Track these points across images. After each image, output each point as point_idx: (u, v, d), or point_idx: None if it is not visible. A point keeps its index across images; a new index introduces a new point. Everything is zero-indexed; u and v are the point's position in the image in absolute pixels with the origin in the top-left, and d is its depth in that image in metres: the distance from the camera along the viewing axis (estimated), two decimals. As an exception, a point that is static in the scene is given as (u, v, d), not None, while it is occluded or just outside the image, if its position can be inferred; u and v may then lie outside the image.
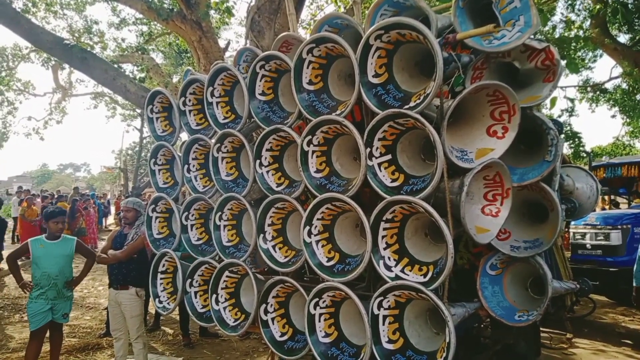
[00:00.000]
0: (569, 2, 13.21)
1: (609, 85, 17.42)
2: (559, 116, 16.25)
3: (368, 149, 2.77)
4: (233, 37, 47.92)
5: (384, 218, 2.74)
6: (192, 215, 3.98)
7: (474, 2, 2.82)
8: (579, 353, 5.29)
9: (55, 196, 15.71)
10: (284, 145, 3.47)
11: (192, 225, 4.00)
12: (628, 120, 18.83)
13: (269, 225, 3.42)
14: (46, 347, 4.49)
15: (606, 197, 9.82)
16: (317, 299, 3.03)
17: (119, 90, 10.07)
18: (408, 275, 2.70)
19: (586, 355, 5.27)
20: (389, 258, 2.76)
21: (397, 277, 2.68)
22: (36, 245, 4.27)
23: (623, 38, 14.17)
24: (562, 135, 3.10)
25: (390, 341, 2.77)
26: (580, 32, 12.70)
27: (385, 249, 2.77)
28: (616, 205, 9.86)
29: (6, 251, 10.91)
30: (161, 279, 4.20)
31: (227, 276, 3.66)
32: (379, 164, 2.80)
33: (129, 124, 28.03)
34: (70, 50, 9.83)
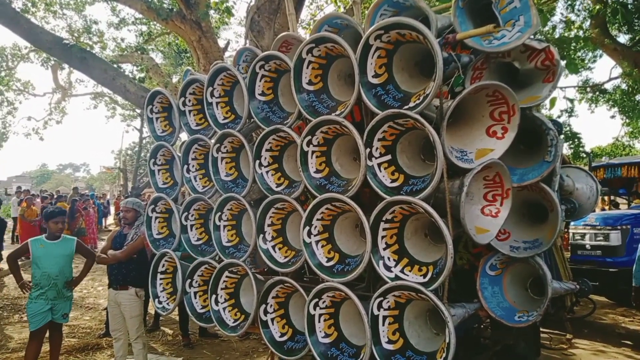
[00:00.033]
0: (569, 2, 13.22)
1: (608, 86, 17.45)
2: (559, 116, 16.25)
3: (368, 149, 2.77)
4: (233, 37, 47.93)
5: (384, 218, 2.74)
6: (192, 215, 3.98)
7: (473, 2, 2.82)
8: (579, 354, 5.29)
9: (55, 196, 15.70)
10: (283, 146, 3.46)
11: (191, 226, 3.99)
12: (628, 120, 18.84)
13: (268, 225, 3.41)
14: (46, 347, 4.49)
15: (606, 198, 9.82)
16: (316, 300, 3.03)
17: (119, 90, 10.07)
18: (408, 275, 2.70)
19: (586, 355, 5.27)
20: (388, 258, 2.76)
21: (397, 278, 2.68)
22: (36, 245, 4.27)
23: (623, 38, 14.19)
24: (562, 136, 3.10)
25: (390, 341, 2.77)
26: (580, 33, 12.71)
27: (385, 249, 2.77)
28: (616, 205, 9.86)
29: (6, 251, 10.92)
30: (161, 279, 4.19)
31: (226, 276, 3.65)
32: (379, 164, 2.80)
33: (128, 124, 28.01)
34: (69, 50, 9.82)
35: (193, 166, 4.02)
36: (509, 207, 2.69)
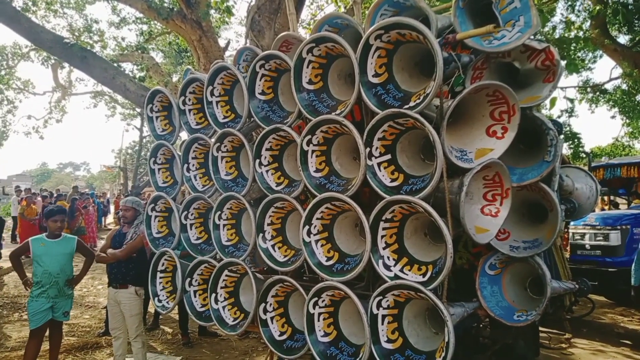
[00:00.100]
0: (569, 2, 13.22)
1: (608, 86, 17.45)
2: (559, 116, 16.25)
3: (368, 149, 2.77)
4: (233, 36, 47.94)
5: (384, 218, 2.74)
6: (192, 214, 3.99)
7: (474, 2, 2.82)
8: (578, 353, 5.30)
9: (55, 195, 15.70)
10: (283, 145, 3.47)
11: (191, 225, 4.00)
12: (628, 121, 18.83)
13: (268, 224, 3.42)
14: (45, 346, 4.49)
15: (605, 198, 9.82)
16: (316, 299, 3.03)
17: (119, 89, 10.07)
18: (407, 274, 2.70)
19: (585, 355, 5.27)
20: (388, 258, 2.77)
21: (396, 277, 2.68)
22: (37, 244, 4.28)
23: (623, 39, 14.19)
24: (562, 136, 3.10)
25: (389, 340, 2.77)
26: (580, 33, 12.71)
27: (384, 248, 2.78)
28: (615, 205, 9.86)
29: (5, 250, 10.96)
30: (160, 278, 4.20)
31: (226, 275, 3.66)
32: (379, 164, 2.80)
33: (128, 123, 28.09)
34: (70, 49, 9.82)
35: (193, 165, 4.02)
36: (509, 207, 2.70)
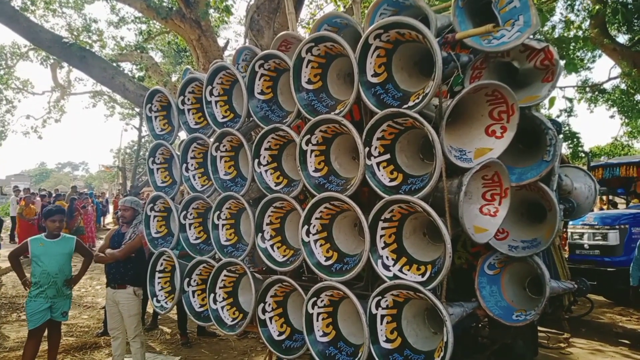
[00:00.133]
0: (569, 2, 13.22)
1: (607, 86, 17.46)
2: (558, 116, 16.28)
3: (367, 149, 2.77)
4: (232, 36, 47.93)
5: (383, 217, 2.74)
6: (191, 214, 3.98)
7: (473, 1, 2.82)
8: (577, 353, 5.30)
9: (53, 195, 15.68)
10: (282, 145, 3.46)
11: (190, 224, 3.99)
12: (627, 120, 18.85)
13: (267, 224, 3.42)
14: (44, 346, 4.48)
15: (604, 197, 9.84)
16: (315, 299, 3.03)
17: (118, 89, 10.04)
18: (406, 274, 2.70)
19: (583, 355, 5.28)
20: (387, 257, 2.76)
21: (395, 277, 2.68)
22: (36, 244, 4.27)
23: (622, 38, 14.19)
24: (561, 135, 3.10)
25: (388, 340, 2.77)
26: (580, 32, 12.71)
27: (383, 248, 2.77)
28: (614, 205, 9.88)
29: (4, 250, 10.94)
30: (159, 278, 4.20)
31: (225, 275, 3.65)
32: (378, 164, 2.80)
33: (127, 123, 28.07)
34: (69, 48, 9.80)
35: (192, 165, 4.02)
36: (508, 207, 2.70)
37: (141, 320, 4.71)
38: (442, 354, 2.49)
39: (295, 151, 3.07)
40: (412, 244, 2.86)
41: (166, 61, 18.64)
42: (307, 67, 3.07)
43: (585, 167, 5.91)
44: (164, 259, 4.14)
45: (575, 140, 13.52)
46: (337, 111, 2.93)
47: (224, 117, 3.74)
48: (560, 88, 17.01)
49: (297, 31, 4.87)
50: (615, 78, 16.62)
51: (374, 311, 2.75)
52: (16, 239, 13.35)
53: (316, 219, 3.04)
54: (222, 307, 3.68)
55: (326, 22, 3.34)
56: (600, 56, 16.23)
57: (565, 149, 12.95)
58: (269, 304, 3.42)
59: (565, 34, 12.98)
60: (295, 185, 3.33)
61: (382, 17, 3.03)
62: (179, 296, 3.91)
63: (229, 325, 3.62)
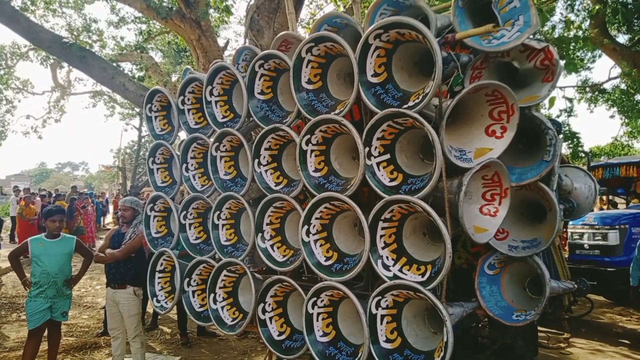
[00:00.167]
0: (569, 2, 13.22)
1: (607, 86, 17.46)
2: (558, 116, 16.28)
3: (367, 149, 2.77)
4: (232, 36, 47.94)
5: (383, 217, 2.74)
6: (191, 214, 3.98)
7: (473, 1, 2.82)
8: (577, 353, 5.30)
9: (53, 195, 15.68)
10: (282, 145, 3.46)
11: (190, 224, 3.99)
12: (626, 120, 18.85)
13: (267, 224, 3.41)
14: (44, 346, 4.48)
15: (604, 197, 9.84)
16: (315, 299, 3.03)
17: (118, 89, 10.04)
18: (406, 274, 2.70)
19: (583, 355, 5.28)
20: (387, 257, 2.76)
21: (395, 277, 2.68)
22: (36, 244, 4.27)
23: (622, 38, 14.19)
24: (561, 135, 3.10)
25: (388, 340, 2.77)
26: (580, 32, 12.71)
27: (383, 248, 2.77)
28: (614, 205, 9.88)
29: (4, 249, 10.94)
30: (159, 278, 4.20)
31: (225, 275, 3.65)
32: (378, 164, 2.80)
33: (127, 123, 28.07)
34: (69, 48, 9.80)
35: (192, 165, 4.02)
36: (508, 207, 2.70)
37: (141, 320, 4.71)
38: (442, 354, 2.49)
39: (295, 151, 3.06)
40: (412, 244, 2.86)
41: (166, 61, 18.64)
42: (307, 67, 3.07)
43: (585, 167, 5.91)
44: (164, 259, 4.13)
45: (575, 140, 13.52)
46: (337, 111, 2.93)
47: (224, 117, 3.74)
48: (560, 88, 17.03)
49: (297, 31, 4.87)
50: (615, 78, 16.64)
51: (374, 311, 2.75)
52: (16, 239, 13.35)
53: (316, 219, 3.04)
54: (222, 307, 3.68)
55: (326, 22, 3.34)
56: (600, 56, 16.24)
57: (565, 149, 12.96)
58: (269, 304, 3.42)
59: (565, 34, 12.98)
60: (295, 185, 3.33)
61: (382, 17, 3.03)
62: (179, 296, 3.91)
63: (229, 325, 3.62)
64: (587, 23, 12.78)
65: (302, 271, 4.02)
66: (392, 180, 2.78)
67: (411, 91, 2.77)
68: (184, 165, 4.00)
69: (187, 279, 3.88)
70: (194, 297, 3.91)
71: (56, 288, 4.20)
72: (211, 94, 3.73)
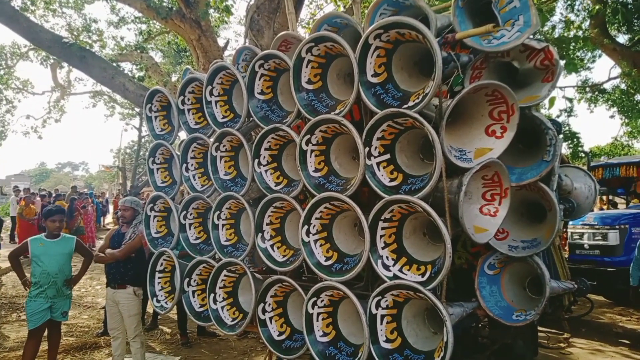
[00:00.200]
0: (569, 2, 13.22)
1: (607, 86, 17.46)
2: (558, 116, 16.28)
3: (367, 149, 2.77)
4: (232, 36, 47.94)
5: (383, 217, 2.74)
6: (191, 214, 3.98)
7: (473, 1, 2.82)
8: (577, 353, 5.30)
9: (53, 195, 15.68)
10: (282, 145, 3.46)
11: (190, 224, 3.99)
12: (626, 120, 18.85)
13: (267, 224, 3.41)
14: (44, 346, 4.48)
15: (604, 197, 9.84)
16: (315, 299, 3.03)
17: (118, 89, 10.04)
18: (406, 274, 2.70)
19: (583, 355, 5.28)
20: (387, 257, 2.76)
21: (395, 277, 2.68)
22: (36, 244, 4.27)
23: (622, 38, 14.19)
24: (561, 135, 3.10)
25: (388, 340, 2.77)
26: (580, 32, 12.71)
27: (383, 248, 2.77)
28: (614, 205, 9.87)
29: (4, 249, 10.94)
30: (159, 278, 4.20)
31: (225, 275, 3.65)
32: (378, 164, 2.80)
33: (127, 123, 28.09)
34: (69, 48, 9.80)
35: (192, 165, 4.02)
36: (508, 207, 2.70)
37: (141, 320, 4.71)
38: (442, 354, 2.49)
39: (295, 151, 3.06)
40: (412, 244, 2.86)
41: (166, 61, 18.64)
42: (307, 67, 3.07)
43: (585, 167, 5.91)
44: (164, 259, 4.13)
45: (575, 140, 13.52)
46: (337, 111, 2.93)
47: (224, 117, 3.74)
48: (560, 88, 17.04)
49: (297, 31, 4.87)
50: (615, 78, 16.64)
51: (374, 311, 2.75)
52: (16, 239, 13.35)
53: (316, 219, 3.04)
54: (222, 307, 3.68)
55: (326, 22, 3.34)
56: (600, 56, 16.24)
57: (565, 149, 12.96)
58: (269, 304, 3.42)
59: (565, 34, 12.99)
60: (295, 185, 3.33)
61: (382, 17, 3.03)
62: (179, 296, 3.91)
63: (229, 325, 3.62)
64: (587, 23, 12.78)
65: (302, 271, 4.02)
66: (392, 180, 2.78)
67: (411, 91, 2.77)
68: (184, 165, 4.00)
69: (187, 279, 3.88)
70: (194, 297, 3.91)
71: (56, 288, 4.20)
72: (211, 94, 3.74)
